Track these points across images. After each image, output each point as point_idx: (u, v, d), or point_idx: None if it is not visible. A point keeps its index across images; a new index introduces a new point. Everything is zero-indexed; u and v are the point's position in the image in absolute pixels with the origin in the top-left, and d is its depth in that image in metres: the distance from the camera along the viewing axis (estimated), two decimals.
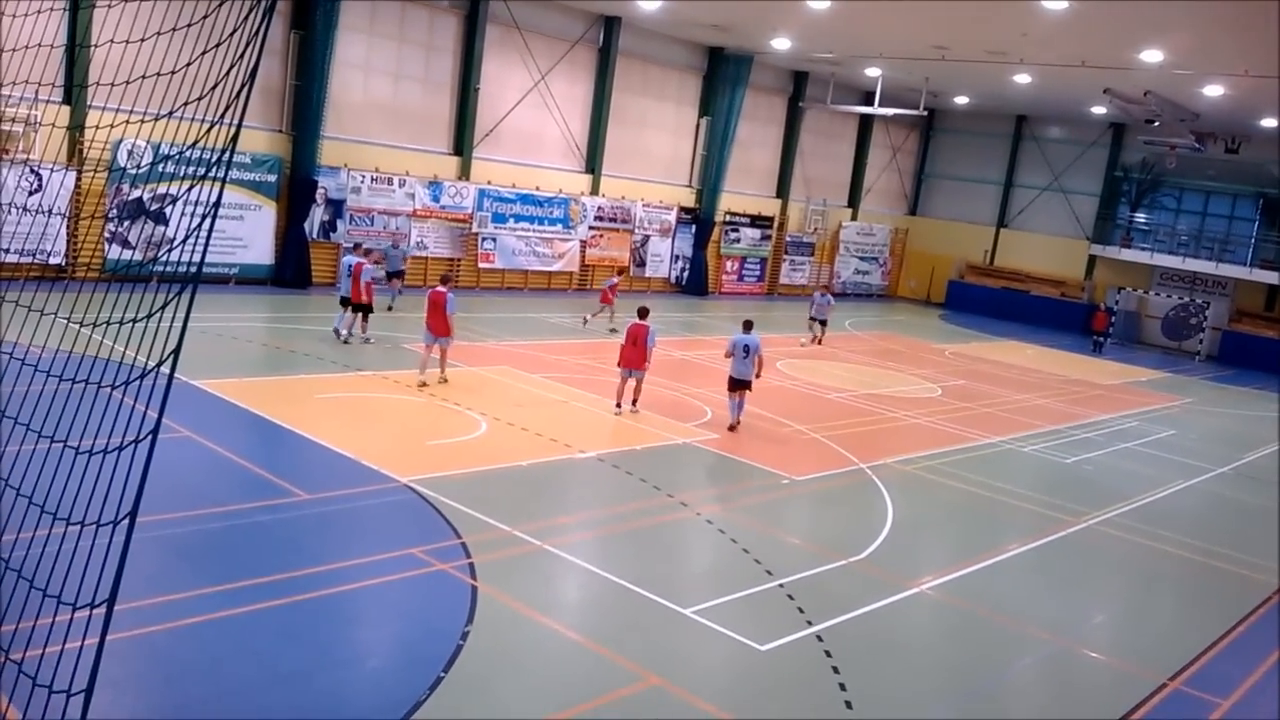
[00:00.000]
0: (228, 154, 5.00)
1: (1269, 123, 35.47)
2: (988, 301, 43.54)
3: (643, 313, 17.82)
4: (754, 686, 8.56)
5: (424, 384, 17.20)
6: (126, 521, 4.82)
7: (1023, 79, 33.78)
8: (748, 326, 17.38)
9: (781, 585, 10.64)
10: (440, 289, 17.44)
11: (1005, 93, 37.87)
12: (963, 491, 15.57)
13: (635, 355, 17.13)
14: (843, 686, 8.56)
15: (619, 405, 17.40)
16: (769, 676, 8.73)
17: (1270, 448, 22.66)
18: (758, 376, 17.16)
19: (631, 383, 17.41)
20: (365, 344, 20.01)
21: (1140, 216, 42.80)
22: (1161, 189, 42.40)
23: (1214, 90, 30.08)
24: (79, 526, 5.15)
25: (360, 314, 20.24)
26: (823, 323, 29.27)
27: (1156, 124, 33.90)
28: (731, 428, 17.07)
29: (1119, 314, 40.11)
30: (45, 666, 5.41)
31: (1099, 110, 38.77)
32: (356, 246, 23.82)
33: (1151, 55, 26.28)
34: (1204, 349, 39.03)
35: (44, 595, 5.40)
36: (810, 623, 9.75)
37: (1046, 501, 15.57)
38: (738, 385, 17.09)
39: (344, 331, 20.09)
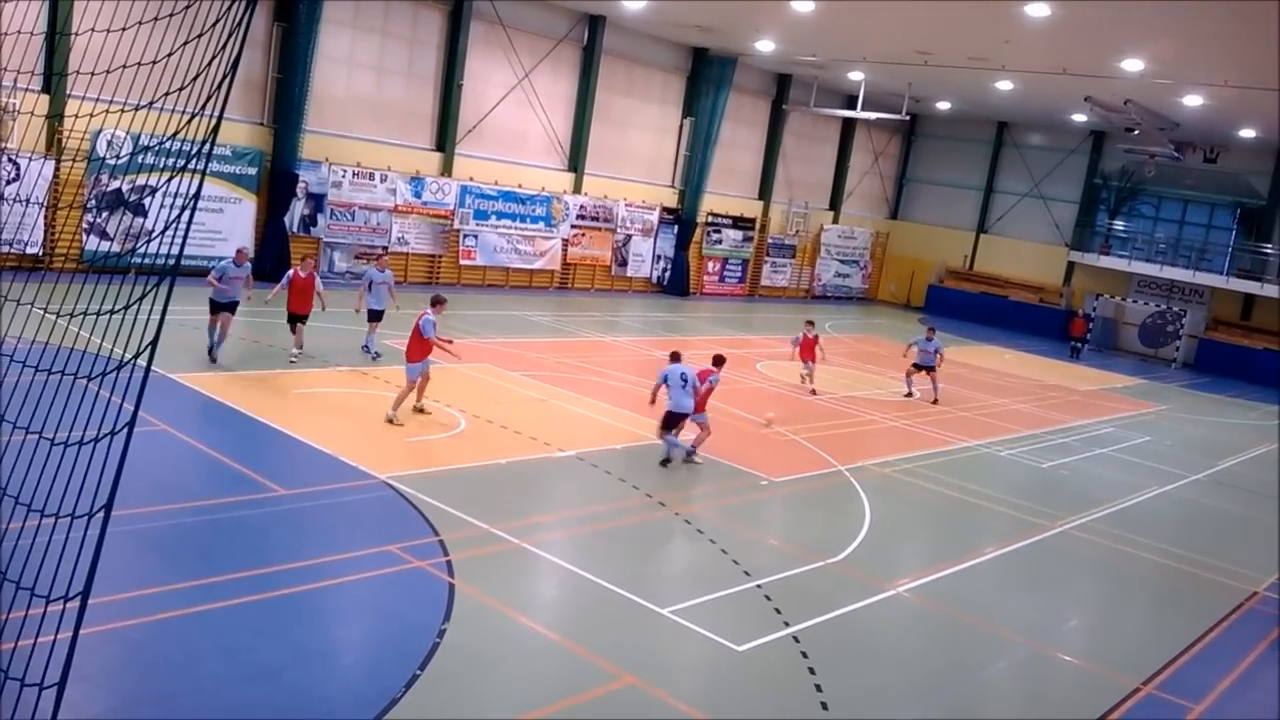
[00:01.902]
0: (208, 146, 4.97)
1: (1247, 133, 35.82)
2: (967, 306, 43.77)
3: (718, 361, 16.03)
4: (730, 687, 8.57)
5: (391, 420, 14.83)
6: (101, 514, 4.78)
7: (1004, 85, 33.97)
8: (676, 357, 15.24)
9: (759, 586, 10.65)
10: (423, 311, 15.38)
11: (987, 99, 38.08)
12: (940, 495, 15.64)
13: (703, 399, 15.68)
14: (819, 687, 8.58)
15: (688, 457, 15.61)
16: (745, 677, 8.74)
17: (1244, 455, 22.86)
18: (699, 410, 15.09)
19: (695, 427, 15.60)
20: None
21: (1119, 224, 43.12)
22: (1140, 197, 42.72)
23: (1193, 100, 30.34)
24: (53, 519, 5.10)
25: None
26: (929, 370, 23.16)
27: (1136, 132, 34.17)
28: (664, 461, 14.75)
29: (1096, 320, 40.40)
30: (18, 660, 5.36)
31: (1079, 118, 39.04)
32: (380, 257, 22.10)
33: (1132, 64, 26.48)
34: (1180, 356, 39.35)
35: (17, 588, 5.34)
36: (787, 623, 9.77)
37: (1022, 506, 15.66)
38: (676, 420, 14.85)
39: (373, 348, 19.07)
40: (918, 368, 23.28)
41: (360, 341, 19.50)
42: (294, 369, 17.31)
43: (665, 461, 14.78)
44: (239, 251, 17.94)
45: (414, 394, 15.33)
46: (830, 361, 27.16)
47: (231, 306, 17.11)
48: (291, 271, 18.12)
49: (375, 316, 19.24)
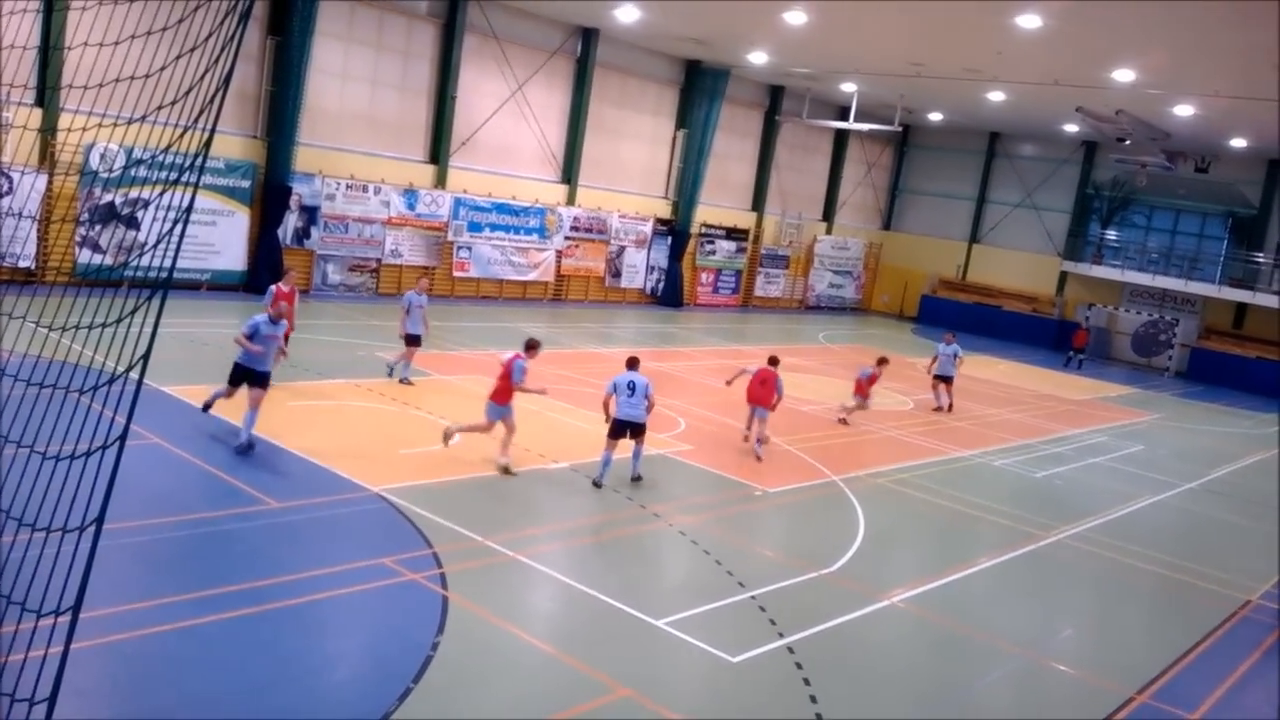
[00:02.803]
0: (201, 159, 4.97)
1: (1238, 142, 35.98)
2: (960, 316, 43.80)
3: (773, 361, 17.30)
4: (725, 698, 8.55)
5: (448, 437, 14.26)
6: (93, 528, 4.77)
7: (996, 96, 34.12)
8: (632, 363, 14.54)
9: (753, 597, 10.64)
10: (513, 356, 14.18)
11: (979, 110, 38.23)
12: (934, 505, 15.64)
13: (764, 394, 16.82)
14: (813, 698, 8.56)
15: (746, 437, 17.65)
16: (740, 688, 8.72)
17: (1237, 463, 22.90)
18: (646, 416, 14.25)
19: (757, 422, 17.02)
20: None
21: (1111, 233, 43.27)
22: (1132, 207, 42.89)
23: (1185, 110, 30.47)
24: (44, 533, 5.08)
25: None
26: (948, 380, 23.59)
27: (1127, 142, 34.31)
28: (597, 482, 13.97)
29: (1091, 330, 40.51)
30: (8, 675, 5.34)
31: (1071, 128, 39.21)
32: (420, 279, 20.88)
33: (1123, 75, 26.61)
34: (1173, 365, 39.45)
35: (8, 602, 5.32)
36: (782, 634, 9.76)
37: (1017, 515, 15.67)
38: (623, 428, 14.03)
39: (395, 365, 18.59)
40: (939, 379, 23.48)
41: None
42: (287, 381, 17.20)
43: (597, 483, 13.88)
44: (275, 296, 14.39)
45: (501, 450, 13.98)
46: (823, 372, 27.19)
47: (263, 378, 13.32)
48: (275, 287, 17.07)
49: (414, 341, 18.34)
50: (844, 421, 20.68)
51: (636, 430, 14.13)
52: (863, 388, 20.85)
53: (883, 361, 21.39)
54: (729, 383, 18.02)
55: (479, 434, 14.27)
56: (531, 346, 14.30)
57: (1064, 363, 37.39)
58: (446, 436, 14.23)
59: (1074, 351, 37.94)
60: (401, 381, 18.24)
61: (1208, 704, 9.84)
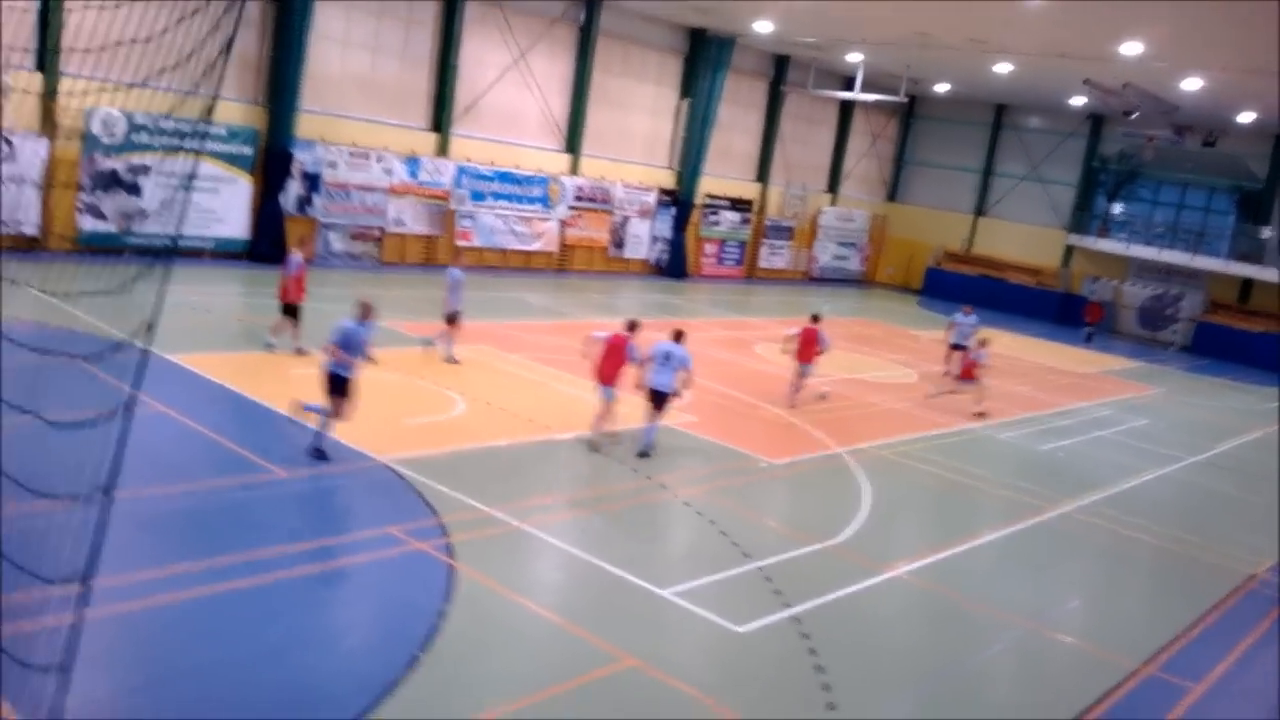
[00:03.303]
0: (203, 126, 4.90)
1: (1246, 116, 35.72)
2: (965, 288, 43.52)
3: (815, 319, 19.04)
4: (731, 668, 8.57)
5: (597, 447, 14.20)
6: (103, 496, 4.74)
7: (1003, 68, 33.82)
8: (677, 335, 14.32)
9: (759, 568, 10.65)
10: (623, 335, 14.32)
11: (986, 81, 37.92)
12: (938, 477, 15.63)
13: (808, 351, 18.62)
14: (819, 668, 8.58)
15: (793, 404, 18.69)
16: (746, 658, 8.74)
17: (1242, 438, 22.88)
18: (678, 395, 14.28)
19: (804, 379, 18.76)
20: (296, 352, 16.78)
21: (1117, 207, 43.07)
22: (1139, 180, 42.64)
23: (1192, 84, 30.22)
24: (55, 500, 5.06)
25: (290, 316, 16.87)
26: (964, 349, 22.35)
27: (1135, 116, 34.04)
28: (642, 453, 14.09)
29: (1091, 303, 40.42)
30: (22, 643, 5.33)
31: (1078, 101, 38.90)
32: (459, 255, 19.53)
33: (1131, 47, 26.35)
34: (1179, 339, 39.36)
35: (20, 569, 5.31)
36: (787, 605, 9.77)
37: (1021, 488, 15.66)
38: (650, 395, 14.16)
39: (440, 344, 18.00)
40: (955, 347, 23.10)
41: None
42: (288, 350, 17.13)
43: (643, 454, 14.04)
44: (364, 305, 12.36)
45: (597, 424, 14.22)
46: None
47: (349, 386, 12.16)
48: (299, 258, 16.90)
49: (453, 319, 17.98)
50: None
51: (659, 399, 14.11)
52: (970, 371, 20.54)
53: (984, 343, 21.06)
54: (786, 351, 19.17)
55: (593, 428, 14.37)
56: (634, 326, 14.45)
57: (1085, 338, 37.24)
58: (595, 446, 14.17)
59: (1089, 326, 37.94)
60: (448, 360, 17.88)
61: (1212, 676, 9.87)
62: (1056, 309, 41.90)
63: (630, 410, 14.84)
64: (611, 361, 14.15)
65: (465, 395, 15.84)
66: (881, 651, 9.42)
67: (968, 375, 20.71)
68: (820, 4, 27.91)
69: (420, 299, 24.32)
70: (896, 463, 16.07)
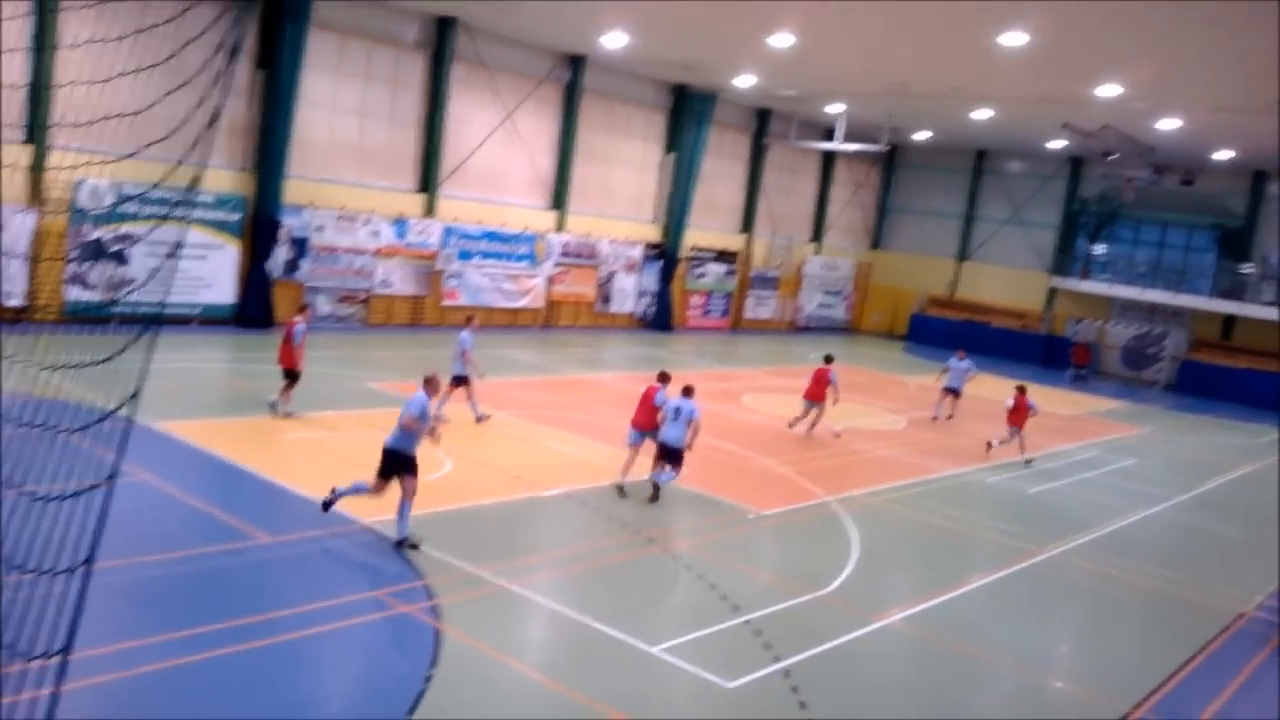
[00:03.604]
0: (191, 194, 5.01)
1: (1224, 155, 36.23)
2: (950, 334, 43.82)
3: (828, 359, 21.50)
4: None
5: (622, 490, 14.90)
6: (83, 569, 4.77)
7: (982, 114, 34.34)
8: (687, 391, 15.09)
9: (748, 621, 10.64)
10: (655, 385, 15.54)
11: (965, 128, 38.46)
12: (927, 523, 15.66)
13: (818, 390, 20.57)
14: None
15: (792, 425, 20.77)
16: (736, 714, 8.71)
17: (1229, 475, 22.95)
18: (689, 448, 14.92)
19: (813, 413, 20.57)
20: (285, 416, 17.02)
21: (1099, 248, 43.48)
22: (1119, 221, 43.13)
23: (1170, 124, 30.70)
24: (34, 574, 5.08)
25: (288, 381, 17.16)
26: (955, 394, 24.78)
27: (1114, 157, 34.52)
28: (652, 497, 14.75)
29: (1077, 344, 40.67)
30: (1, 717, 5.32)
31: (1057, 144, 39.45)
32: (469, 320, 19.39)
33: (1108, 89, 26.80)
34: (1163, 378, 39.56)
35: None
36: (777, 658, 9.75)
37: (1010, 532, 15.69)
38: (661, 450, 14.92)
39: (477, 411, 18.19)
40: (947, 391, 24.64)
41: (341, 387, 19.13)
42: (275, 415, 17.18)
43: (653, 498, 14.73)
44: (430, 379, 12.78)
45: (624, 471, 15.12)
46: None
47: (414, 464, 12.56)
48: (303, 325, 17.34)
49: (459, 382, 18.09)
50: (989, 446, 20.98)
51: (670, 454, 14.87)
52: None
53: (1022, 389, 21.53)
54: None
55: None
56: (665, 377, 15.80)
57: (1072, 379, 37.66)
58: (620, 490, 14.96)
59: (1075, 368, 38.23)
60: (478, 420, 18.11)
61: (1204, 717, 9.84)
62: (1041, 351, 42.12)
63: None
64: (646, 409, 15.35)
65: (452, 454, 15.85)
66: (873, 702, 9.40)
67: (1018, 422, 20.98)
68: (800, 59, 28.36)
69: (405, 359, 24.40)
70: (885, 510, 16.09)
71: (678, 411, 14.87)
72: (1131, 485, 20.35)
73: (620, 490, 14.87)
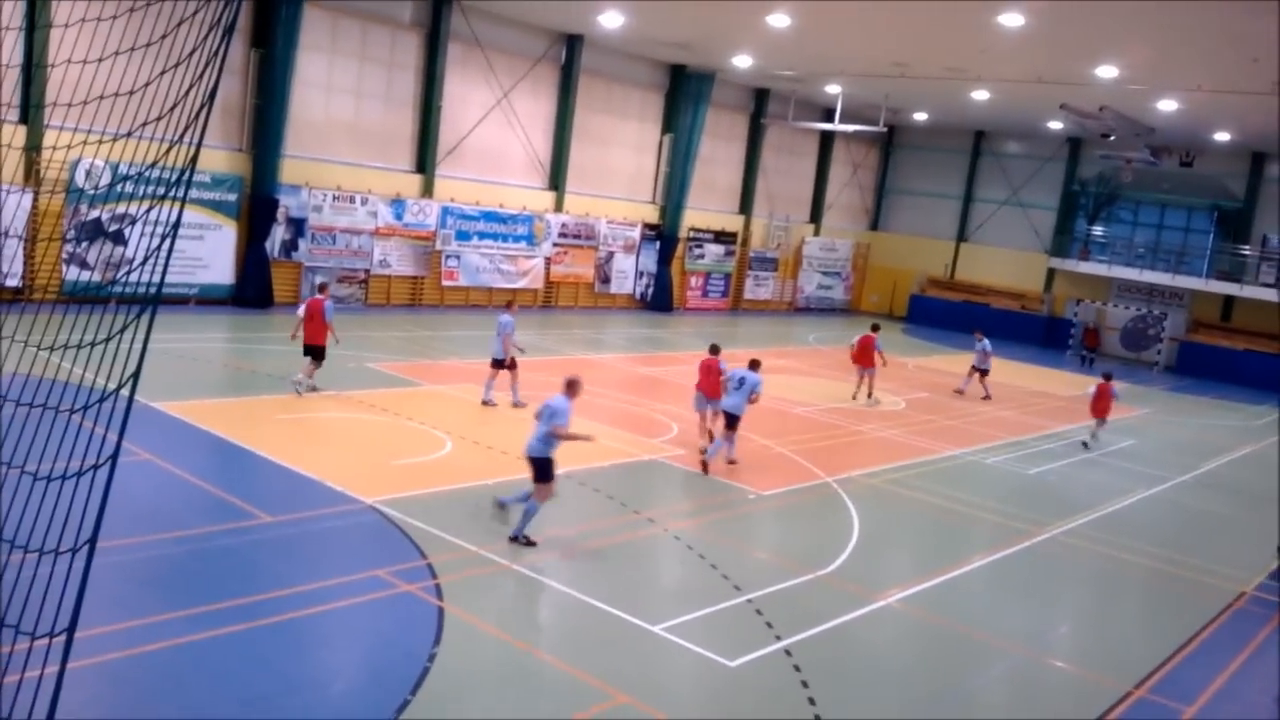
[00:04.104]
0: (187, 174, 4.95)
1: (1222, 136, 36.15)
2: (949, 314, 43.91)
3: (875, 328, 23.58)
4: (724, 703, 8.55)
5: (705, 465, 15.75)
6: (87, 548, 4.74)
7: (981, 95, 34.22)
8: (753, 364, 16.25)
9: (750, 600, 10.64)
10: (712, 357, 16.77)
11: (964, 109, 38.34)
12: (928, 504, 15.67)
13: (866, 357, 23.00)
14: (812, 701, 8.57)
15: (855, 396, 23.29)
16: (738, 692, 8.72)
17: (1228, 456, 22.98)
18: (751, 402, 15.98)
19: (866, 378, 23.04)
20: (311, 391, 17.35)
21: (1098, 229, 43.44)
22: (1118, 202, 43.08)
23: (1168, 105, 30.61)
24: (37, 554, 5.06)
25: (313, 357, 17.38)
26: (983, 373, 26.20)
27: (1112, 138, 34.43)
28: (704, 466, 15.68)
29: (1078, 326, 40.67)
30: (4, 697, 5.31)
31: (1055, 125, 39.36)
32: (509, 305, 19.81)
33: (1107, 71, 26.71)
34: (1162, 359, 39.59)
35: (1, 624, 5.29)
36: (779, 637, 9.76)
37: (1010, 513, 15.70)
38: (726, 418, 15.99)
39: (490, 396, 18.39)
40: (975, 369, 26.19)
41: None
42: (278, 395, 17.16)
43: (704, 464, 15.67)
44: (571, 381, 12.39)
45: (710, 439, 16.58)
46: (815, 373, 27.23)
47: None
48: (328, 302, 17.70)
49: (498, 365, 18.35)
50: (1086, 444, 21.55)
51: (731, 420, 15.92)
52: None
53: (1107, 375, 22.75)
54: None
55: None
56: (716, 349, 17.08)
57: (1083, 363, 37.77)
58: (704, 466, 15.79)
59: (1088, 351, 38.31)
60: (515, 405, 18.15)
61: (1205, 696, 9.87)
62: (1041, 333, 42.15)
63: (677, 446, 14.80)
64: (709, 379, 16.67)
65: (452, 435, 15.85)
66: (874, 681, 9.41)
67: (1103, 412, 21.70)
68: (798, 38, 28.23)
69: (404, 340, 24.38)
70: (886, 490, 16.10)
71: (741, 381, 15.95)
72: (1131, 466, 20.37)
73: (704, 457, 15.88)
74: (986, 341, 26.20)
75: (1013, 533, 14.65)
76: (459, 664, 8.43)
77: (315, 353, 17.28)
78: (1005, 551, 13.81)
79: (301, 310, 17.65)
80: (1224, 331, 39.51)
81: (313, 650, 8.59)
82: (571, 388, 11.92)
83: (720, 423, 16.28)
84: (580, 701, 8.16)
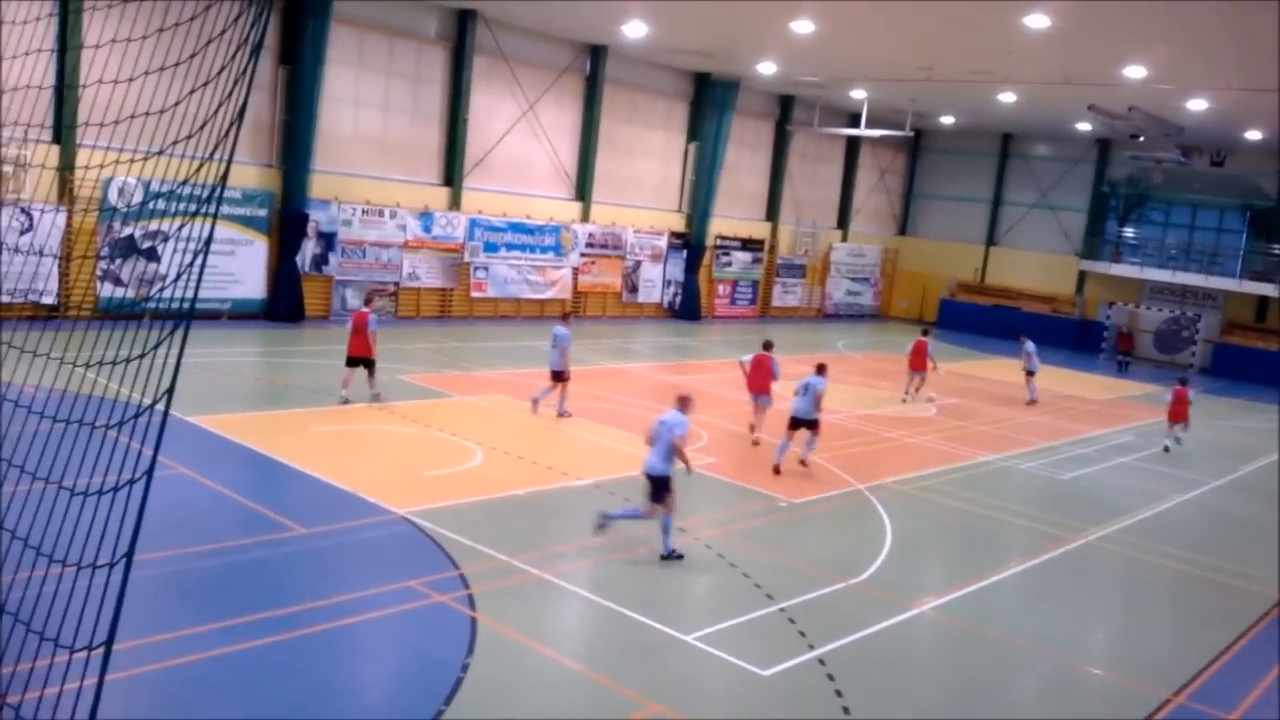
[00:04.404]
0: (219, 191, 5.01)
1: (1253, 135, 35.74)
2: (979, 319, 43.61)
3: (925, 332, 25.02)
4: (757, 712, 8.52)
5: (756, 441, 18.12)
6: (124, 562, 4.80)
7: (1007, 97, 34.02)
8: (819, 368, 16.97)
9: (782, 609, 10.60)
10: (765, 354, 18.39)
11: (991, 111, 38.13)
12: (960, 510, 15.55)
13: (919, 361, 24.41)
14: (846, 710, 8.52)
15: (905, 400, 24.47)
16: (772, 701, 8.68)
17: (1264, 459, 22.68)
18: (817, 413, 16.68)
19: (916, 380, 23.69)
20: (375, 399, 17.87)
21: (1129, 231, 43.05)
22: (1149, 203, 42.67)
23: (1198, 104, 30.31)
24: (75, 568, 5.12)
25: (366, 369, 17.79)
26: (1029, 374, 26.79)
27: (1141, 139, 34.14)
28: (776, 469, 16.29)
29: (1111, 329, 40.29)
30: (44, 709, 5.36)
31: (1084, 127, 39.04)
32: (565, 317, 20.18)
33: (1134, 71, 26.49)
34: (1196, 362, 39.14)
35: (41, 638, 5.36)
36: (812, 646, 9.71)
37: (1044, 519, 15.56)
38: (792, 422, 16.53)
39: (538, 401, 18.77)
40: (1027, 372, 26.80)
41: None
42: (310, 407, 17.30)
43: (776, 468, 16.21)
44: (683, 398, 12.78)
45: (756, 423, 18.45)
46: (845, 380, 27.11)
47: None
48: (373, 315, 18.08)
49: (557, 377, 18.61)
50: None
51: (803, 423, 16.53)
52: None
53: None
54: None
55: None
56: (770, 345, 18.59)
57: (1119, 367, 37.25)
58: (755, 442, 18.03)
59: (1122, 355, 37.89)
60: (560, 415, 18.51)
61: (1245, 704, 9.73)
62: (1073, 336, 41.77)
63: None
64: (759, 374, 18.14)
65: (483, 445, 15.90)
66: (909, 690, 9.34)
67: (1181, 416, 21.89)
68: (821, 44, 28.19)
69: (434, 351, 24.51)
70: (917, 497, 16.00)
71: (807, 386, 16.50)
72: (1167, 470, 20.14)
73: (753, 432, 18.23)
74: (1030, 343, 26.67)
75: (1047, 539, 14.51)
76: (492, 674, 8.44)
77: (361, 364, 17.59)
78: (1040, 558, 13.68)
79: (350, 324, 18.13)
80: (1258, 332, 39.01)
81: (347, 661, 8.63)
82: (685, 403, 12.27)
83: (764, 416, 18.27)
84: (613, 711, 8.15)
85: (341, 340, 20.14)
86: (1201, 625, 12.08)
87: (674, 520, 11.81)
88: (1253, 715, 9.53)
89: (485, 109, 31.07)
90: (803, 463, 16.76)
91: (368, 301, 19.07)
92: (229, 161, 5.01)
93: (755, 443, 17.96)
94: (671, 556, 11.69)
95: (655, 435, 11.91)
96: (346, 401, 17.53)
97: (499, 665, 8.65)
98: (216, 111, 5.16)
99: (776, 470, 16.24)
